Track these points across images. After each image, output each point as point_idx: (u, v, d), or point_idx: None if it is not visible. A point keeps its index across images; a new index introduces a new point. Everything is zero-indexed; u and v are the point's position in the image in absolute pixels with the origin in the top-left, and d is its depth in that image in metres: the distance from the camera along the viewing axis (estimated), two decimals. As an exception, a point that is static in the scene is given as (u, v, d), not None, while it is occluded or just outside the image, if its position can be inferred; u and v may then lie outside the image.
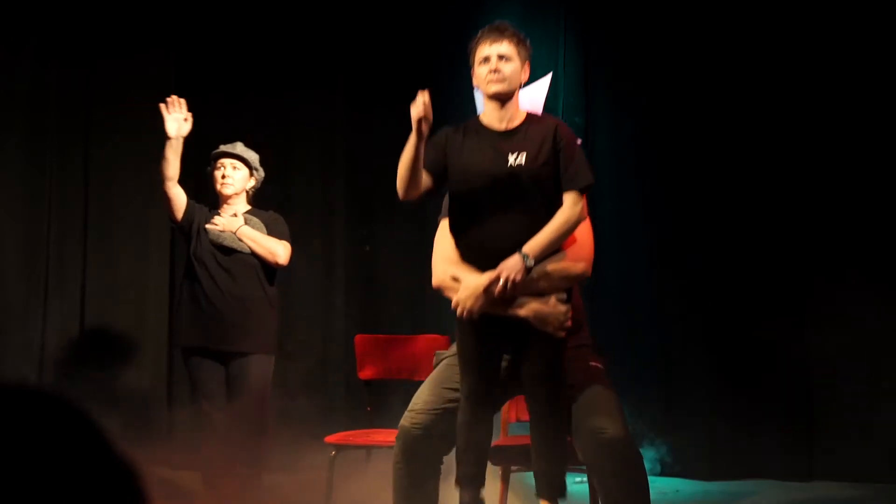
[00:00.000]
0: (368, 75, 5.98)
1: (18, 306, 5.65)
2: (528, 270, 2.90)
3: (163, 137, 4.50)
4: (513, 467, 4.09)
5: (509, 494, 4.09)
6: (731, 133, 5.64)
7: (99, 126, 5.85)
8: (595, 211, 5.75)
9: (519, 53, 3.10)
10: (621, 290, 5.74)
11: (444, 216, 3.16)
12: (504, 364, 3.12)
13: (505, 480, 4.07)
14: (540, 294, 2.97)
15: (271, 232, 4.58)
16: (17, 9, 5.67)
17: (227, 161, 4.64)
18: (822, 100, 5.52)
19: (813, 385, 5.45)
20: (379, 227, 5.99)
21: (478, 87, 3.13)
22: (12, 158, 5.69)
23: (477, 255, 2.98)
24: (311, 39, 5.98)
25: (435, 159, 3.03)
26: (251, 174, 4.67)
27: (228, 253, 4.51)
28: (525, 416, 4.40)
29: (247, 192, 4.68)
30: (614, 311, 5.73)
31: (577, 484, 5.21)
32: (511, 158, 2.99)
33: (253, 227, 4.57)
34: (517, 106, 3.11)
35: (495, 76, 3.03)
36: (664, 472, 5.53)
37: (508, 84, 3.05)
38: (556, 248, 2.98)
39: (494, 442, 4.16)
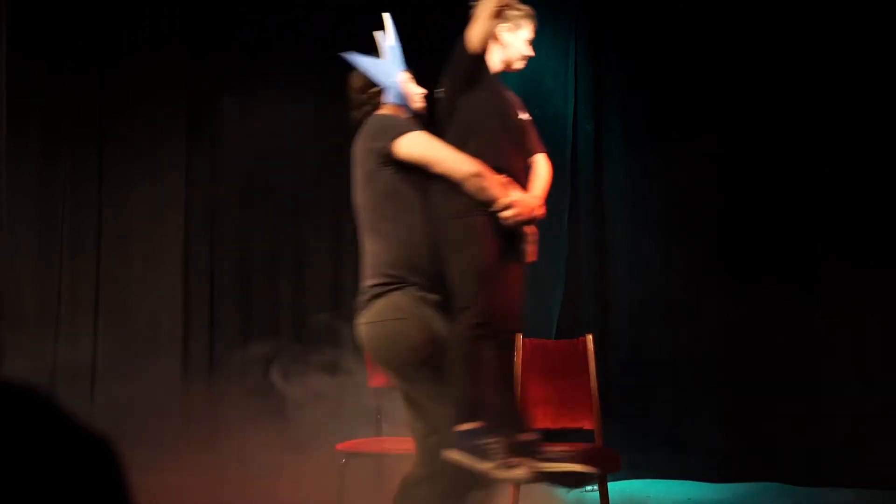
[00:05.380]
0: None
1: (32, 312, 5.67)
2: None
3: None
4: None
5: (520, 502, 4.09)
6: (743, 136, 5.64)
7: (113, 131, 5.89)
8: (607, 215, 5.81)
9: None
10: (631, 291, 5.75)
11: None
12: None
13: (516, 486, 4.06)
14: None
15: None
16: (32, 15, 5.71)
17: None
18: (830, 99, 5.51)
19: (823, 389, 5.44)
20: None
21: (501, 47, 3.46)
22: (28, 164, 5.74)
23: None
24: (318, 45, 5.99)
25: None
26: None
27: None
28: (534, 425, 4.40)
29: None
30: (624, 312, 5.73)
31: (587, 492, 5.22)
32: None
33: None
34: None
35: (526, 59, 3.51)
36: (674, 475, 5.52)
37: None
38: None
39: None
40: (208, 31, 5.97)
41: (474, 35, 3.27)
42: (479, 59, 3.32)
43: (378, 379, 4.75)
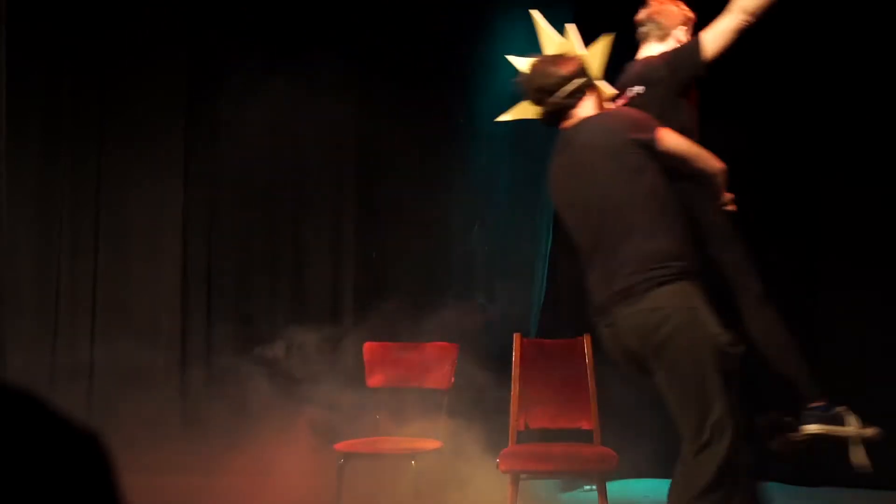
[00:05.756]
0: (380, 82, 6.01)
1: (31, 312, 5.68)
2: None
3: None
4: (522, 474, 4.10)
5: (518, 502, 4.09)
6: (743, 136, 5.62)
7: (113, 131, 5.90)
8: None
9: None
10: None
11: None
12: None
13: (514, 486, 4.06)
14: None
15: None
16: (32, 15, 5.72)
17: None
18: (830, 99, 5.51)
19: (823, 389, 5.43)
20: (387, 234, 6.01)
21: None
22: (28, 164, 5.75)
23: None
24: (323, 46, 5.99)
25: None
26: None
27: None
28: (533, 424, 4.41)
29: None
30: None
31: (585, 492, 5.22)
32: None
33: None
34: None
35: None
36: (670, 475, 5.51)
37: None
38: None
39: (504, 449, 4.17)
40: (208, 31, 5.97)
41: (715, 45, 3.31)
42: (708, 67, 3.31)
43: (376, 379, 4.75)
